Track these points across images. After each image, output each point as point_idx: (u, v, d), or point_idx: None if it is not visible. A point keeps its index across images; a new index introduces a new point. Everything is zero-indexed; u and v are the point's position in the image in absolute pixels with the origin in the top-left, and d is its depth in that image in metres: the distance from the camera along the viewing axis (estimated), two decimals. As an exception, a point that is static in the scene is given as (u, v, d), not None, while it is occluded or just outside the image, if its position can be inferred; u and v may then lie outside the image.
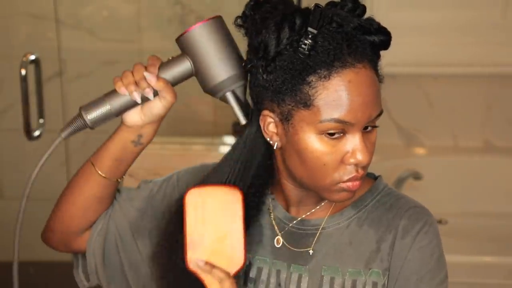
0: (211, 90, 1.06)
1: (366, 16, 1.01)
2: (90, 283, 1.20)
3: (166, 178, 1.21)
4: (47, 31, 3.01)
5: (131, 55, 2.99)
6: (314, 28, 0.96)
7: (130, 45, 3.01)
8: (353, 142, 0.99)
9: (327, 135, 0.98)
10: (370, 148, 1.01)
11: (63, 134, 1.07)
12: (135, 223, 1.17)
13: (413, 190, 2.51)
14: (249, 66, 1.02)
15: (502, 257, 2.21)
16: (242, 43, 1.06)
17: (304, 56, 0.96)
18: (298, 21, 0.97)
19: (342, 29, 0.98)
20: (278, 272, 1.11)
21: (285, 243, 1.12)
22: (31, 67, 2.44)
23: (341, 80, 0.96)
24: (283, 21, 0.98)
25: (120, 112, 1.06)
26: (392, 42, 1.01)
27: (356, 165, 1.00)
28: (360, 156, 0.99)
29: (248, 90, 1.06)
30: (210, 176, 1.09)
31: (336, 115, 0.97)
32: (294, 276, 1.10)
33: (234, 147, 1.08)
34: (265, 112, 1.03)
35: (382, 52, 1.02)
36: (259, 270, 1.12)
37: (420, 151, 2.91)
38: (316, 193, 1.06)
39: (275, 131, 1.03)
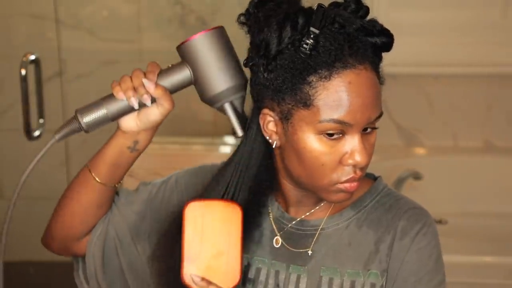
0: (209, 100, 1.06)
1: (369, 17, 1.01)
2: (90, 286, 1.20)
3: (164, 180, 1.20)
4: (47, 31, 3.01)
5: (131, 55, 2.98)
6: (316, 28, 0.96)
7: (130, 45, 3.00)
8: (351, 143, 0.99)
9: (326, 136, 0.98)
10: (369, 149, 1.01)
11: (57, 136, 1.05)
12: (134, 227, 1.16)
13: (413, 190, 2.51)
14: (250, 64, 1.02)
15: (502, 257, 2.21)
16: (242, 44, 1.06)
17: (305, 55, 0.96)
18: (300, 21, 0.97)
19: (344, 30, 0.98)
20: (277, 273, 1.11)
21: (284, 243, 1.12)
22: (31, 67, 2.43)
23: (341, 81, 0.96)
24: (286, 20, 0.98)
25: (117, 117, 1.05)
26: (392, 42, 1.01)
27: (354, 166, 1.00)
28: (358, 157, 0.99)
29: (249, 91, 1.06)
30: (213, 180, 1.09)
31: (336, 115, 0.97)
32: (293, 277, 1.10)
33: (235, 150, 1.08)
34: (265, 110, 1.03)
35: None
36: (258, 271, 1.12)
37: (420, 151, 2.91)
38: (315, 194, 1.06)
39: (275, 130, 1.03)
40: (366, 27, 0.99)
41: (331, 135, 0.98)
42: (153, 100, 1.04)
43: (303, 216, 1.12)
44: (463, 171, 2.80)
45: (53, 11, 2.97)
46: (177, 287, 1.09)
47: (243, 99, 1.07)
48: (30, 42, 3.02)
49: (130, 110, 1.05)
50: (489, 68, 2.75)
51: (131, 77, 1.04)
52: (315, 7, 0.98)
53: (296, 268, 1.10)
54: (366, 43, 0.99)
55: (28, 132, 2.41)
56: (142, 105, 1.04)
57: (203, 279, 0.99)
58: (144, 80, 1.03)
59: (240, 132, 1.07)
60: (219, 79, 1.04)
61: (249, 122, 1.07)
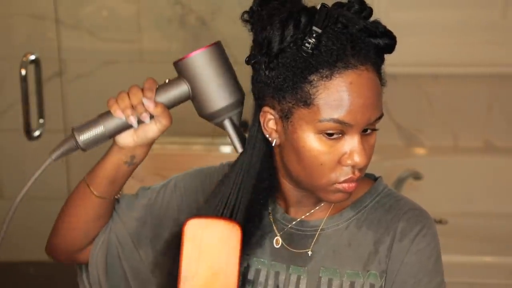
0: (208, 116, 1.05)
1: (371, 18, 1.01)
2: None
3: (164, 184, 1.20)
4: (47, 31, 3.01)
5: (131, 55, 2.98)
6: (319, 28, 0.96)
7: (130, 45, 3.00)
8: (351, 143, 0.99)
9: (326, 135, 0.98)
10: (368, 150, 1.01)
11: (54, 156, 1.04)
12: (136, 233, 1.16)
13: (413, 190, 2.51)
14: (252, 61, 1.02)
15: (502, 257, 2.21)
16: (242, 43, 1.06)
17: (307, 54, 0.96)
18: (303, 20, 0.97)
19: (347, 30, 0.98)
20: (277, 274, 1.11)
21: (284, 244, 1.11)
22: (31, 67, 2.44)
23: (342, 81, 0.96)
24: (289, 19, 0.98)
25: (114, 134, 1.04)
26: (393, 42, 1.01)
27: (353, 166, 1.00)
28: (357, 158, 0.99)
29: (251, 89, 1.06)
30: (219, 182, 1.09)
31: (336, 115, 0.97)
32: (293, 278, 1.09)
33: (238, 157, 1.08)
34: (266, 108, 1.03)
35: (382, 53, 1.02)
36: (257, 272, 1.12)
37: (420, 151, 2.91)
38: (314, 194, 1.06)
39: (275, 128, 1.03)
40: (369, 28, 0.99)
41: (330, 134, 0.98)
42: (151, 117, 1.03)
43: (303, 217, 1.12)
44: (463, 171, 2.80)
45: (53, 11, 2.97)
46: None
47: (241, 114, 1.06)
48: (30, 42, 3.02)
49: (128, 127, 1.04)
50: (489, 68, 2.75)
51: (128, 94, 1.03)
52: (318, 7, 0.98)
53: (296, 268, 1.10)
54: (368, 44, 0.99)
55: (28, 132, 2.42)
56: (140, 122, 1.03)
57: None
58: (144, 100, 1.02)
59: (239, 148, 1.06)
60: (218, 96, 1.03)
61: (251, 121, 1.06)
